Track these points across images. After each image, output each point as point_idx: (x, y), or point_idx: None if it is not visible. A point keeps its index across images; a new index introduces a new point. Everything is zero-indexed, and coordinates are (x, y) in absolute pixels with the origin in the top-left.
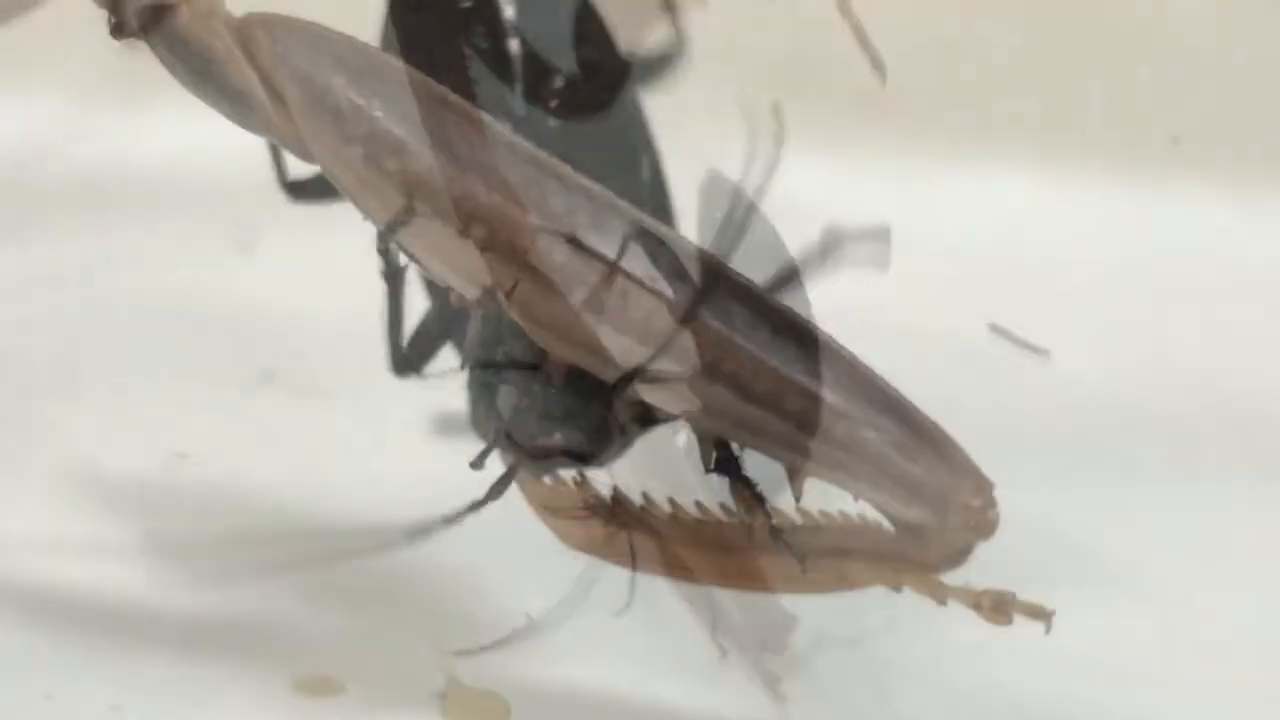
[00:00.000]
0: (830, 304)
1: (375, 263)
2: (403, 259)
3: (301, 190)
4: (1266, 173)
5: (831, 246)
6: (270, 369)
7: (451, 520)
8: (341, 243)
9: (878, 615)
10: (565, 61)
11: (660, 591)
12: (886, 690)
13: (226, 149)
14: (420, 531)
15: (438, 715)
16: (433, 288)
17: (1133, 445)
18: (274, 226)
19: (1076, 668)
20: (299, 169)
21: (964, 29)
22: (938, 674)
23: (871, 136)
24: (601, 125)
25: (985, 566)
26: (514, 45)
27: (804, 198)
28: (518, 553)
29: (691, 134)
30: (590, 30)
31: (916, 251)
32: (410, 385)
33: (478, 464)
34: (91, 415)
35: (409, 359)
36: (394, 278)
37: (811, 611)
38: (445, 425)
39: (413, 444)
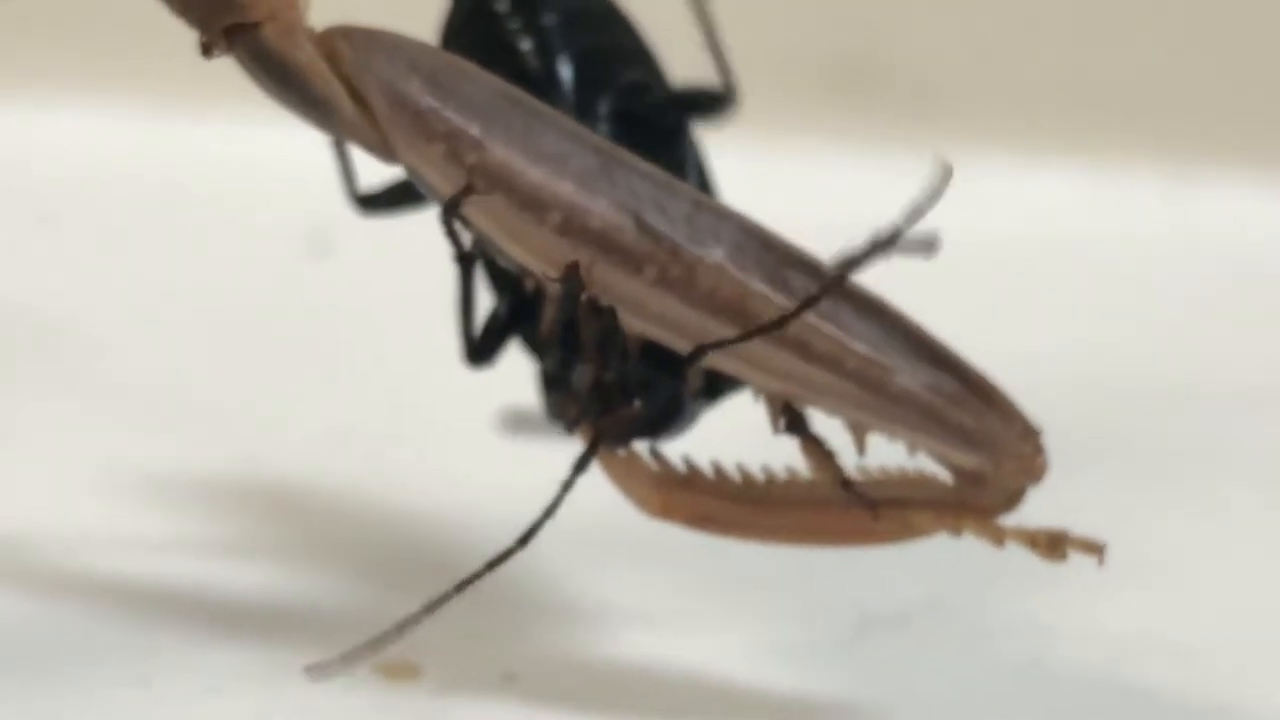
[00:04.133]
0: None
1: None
2: (471, 245)
3: (371, 203)
4: None
5: (881, 248)
6: (336, 367)
7: (551, 509)
8: (410, 246)
9: (920, 593)
10: (613, 87)
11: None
12: (929, 668)
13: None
14: (529, 532)
15: (509, 695)
16: (501, 280)
17: (1169, 435)
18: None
19: (1119, 645)
20: (368, 182)
21: (1002, 24)
22: (981, 651)
23: (912, 133)
24: (652, 155)
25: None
26: (563, 70)
27: (846, 194)
28: (583, 535)
29: (735, 135)
30: (637, 57)
31: (956, 246)
32: (478, 383)
33: (582, 464)
34: (173, 417)
35: (481, 349)
36: (465, 262)
37: (854, 590)
38: (513, 423)
39: (482, 441)
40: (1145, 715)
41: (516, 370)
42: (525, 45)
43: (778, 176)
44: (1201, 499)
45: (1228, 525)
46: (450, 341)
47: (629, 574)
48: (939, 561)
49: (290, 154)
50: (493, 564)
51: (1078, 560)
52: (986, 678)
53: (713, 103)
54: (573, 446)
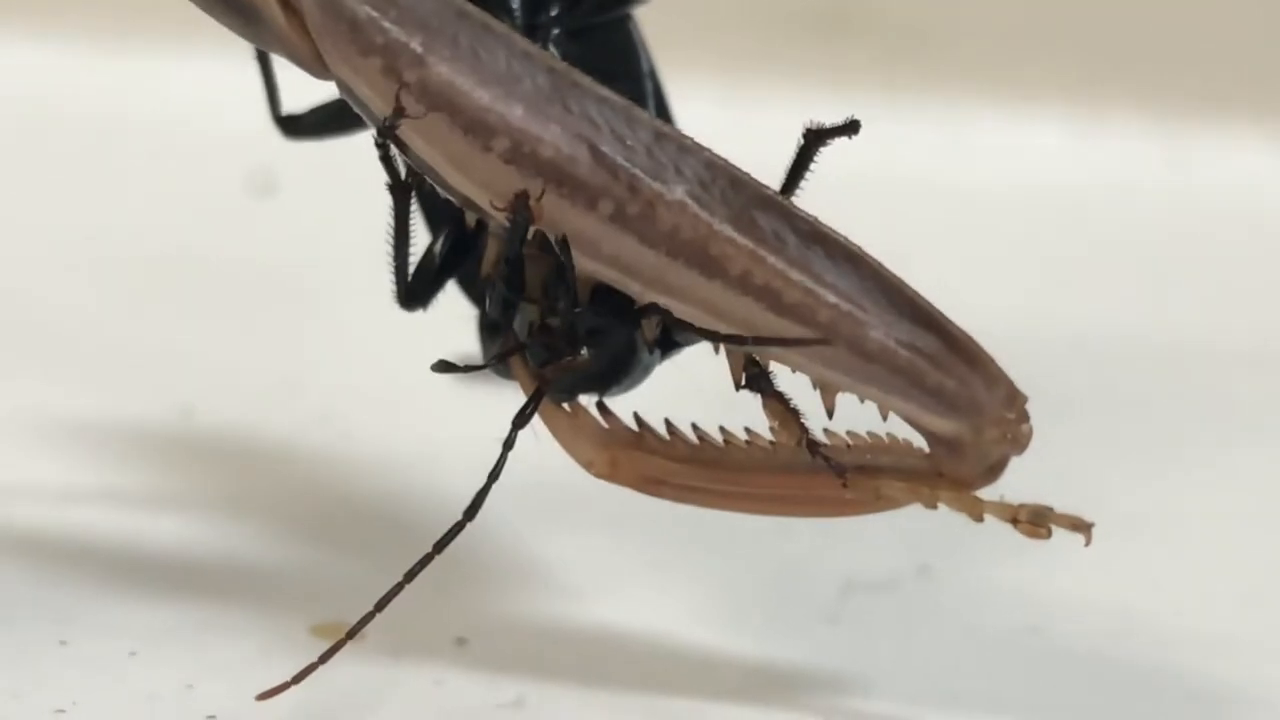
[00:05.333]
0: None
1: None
2: (408, 174)
3: (296, 125)
4: None
5: (812, 144)
6: (285, 319)
7: (495, 474)
8: (354, 182)
9: (907, 561)
10: None
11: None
12: (917, 636)
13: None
14: (474, 503)
15: (458, 661)
16: (438, 215)
17: (1165, 393)
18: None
19: (1106, 613)
20: (293, 104)
21: None
22: (968, 619)
23: (901, 80)
24: (602, 51)
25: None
26: None
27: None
28: (534, 497)
29: (716, 76)
30: None
31: (945, 195)
32: (431, 330)
33: (523, 418)
34: (105, 365)
35: (414, 291)
36: (400, 192)
37: (841, 558)
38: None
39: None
40: (1139, 682)
41: (469, 315)
42: None
43: (761, 122)
44: (1198, 459)
45: (1226, 488)
46: None
47: (595, 536)
48: (927, 525)
49: (230, 87)
50: (442, 544)
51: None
52: (975, 645)
53: None
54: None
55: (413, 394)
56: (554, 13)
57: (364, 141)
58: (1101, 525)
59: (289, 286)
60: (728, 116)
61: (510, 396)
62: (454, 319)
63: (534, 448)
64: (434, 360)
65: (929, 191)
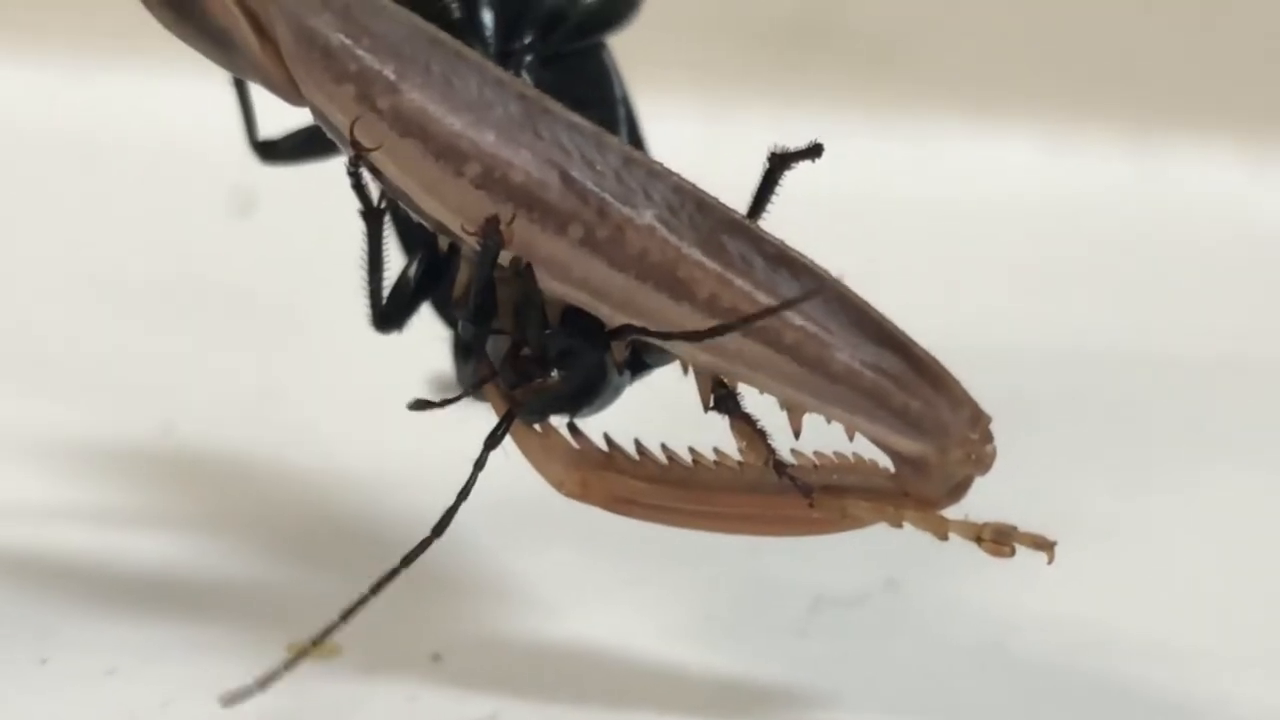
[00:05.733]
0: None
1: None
2: (380, 199)
3: (272, 151)
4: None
5: (777, 167)
6: (266, 337)
7: (465, 492)
8: (334, 201)
9: (876, 575)
10: (533, 21)
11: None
12: (886, 650)
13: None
14: (444, 519)
15: (432, 678)
16: (412, 239)
17: (1137, 406)
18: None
19: (1081, 627)
20: (269, 129)
21: None
22: (937, 633)
23: (875, 96)
24: (574, 78)
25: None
26: (483, 10)
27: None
28: (509, 514)
29: (692, 94)
30: None
31: (919, 210)
32: (408, 349)
33: (494, 439)
34: (86, 383)
35: (389, 314)
36: (373, 218)
37: (810, 572)
38: (444, 388)
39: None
40: (1108, 695)
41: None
42: None
43: (732, 140)
44: (1169, 472)
45: (1197, 501)
46: None
47: (568, 553)
48: (895, 541)
49: (209, 107)
50: (409, 558)
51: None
52: (944, 661)
53: (622, 5)
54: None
55: (392, 412)
56: (527, 40)
57: (342, 164)
58: (1070, 538)
59: (269, 304)
60: (699, 134)
61: (488, 415)
62: (431, 338)
63: (509, 466)
64: (410, 399)
65: (901, 206)
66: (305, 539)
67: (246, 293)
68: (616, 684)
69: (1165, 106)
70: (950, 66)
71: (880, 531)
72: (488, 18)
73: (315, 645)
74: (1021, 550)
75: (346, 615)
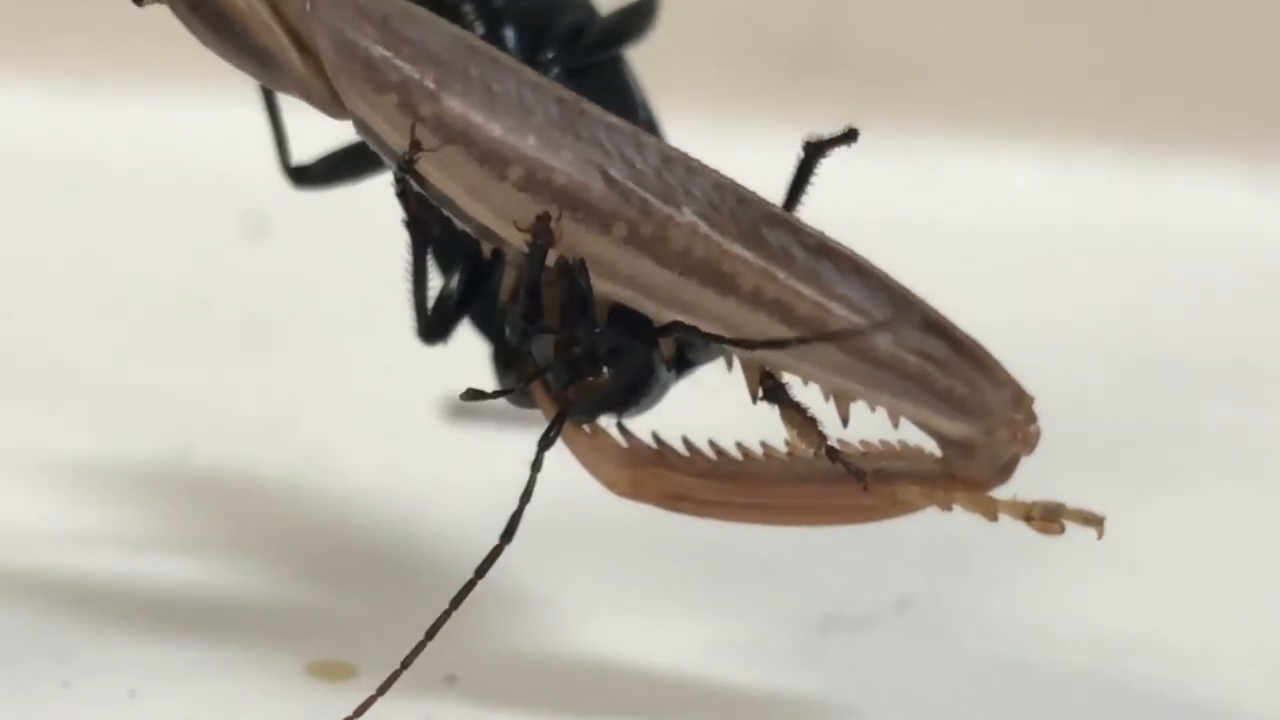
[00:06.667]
0: None
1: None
2: (425, 211)
3: (305, 175)
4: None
5: (812, 156)
6: (281, 358)
7: (527, 495)
8: (346, 223)
9: (888, 595)
10: (555, 37)
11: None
12: (896, 669)
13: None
14: (510, 525)
15: (446, 697)
16: (450, 255)
17: (1136, 423)
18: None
19: (1092, 643)
20: (302, 154)
21: (962, 6)
22: (949, 652)
23: (880, 118)
24: (599, 90)
25: (1009, 552)
26: (506, 27)
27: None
28: (522, 536)
29: (702, 116)
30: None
31: (924, 231)
32: (419, 370)
33: (548, 440)
34: (102, 406)
35: (435, 325)
36: (418, 229)
37: (819, 588)
38: (456, 411)
39: (425, 429)
40: (1120, 710)
41: (459, 356)
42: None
43: (735, 160)
44: (1175, 487)
45: (1205, 517)
46: (391, 326)
47: (579, 571)
48: (906, 560)
49: (222, 130)
50: (483, 569)
51: (1046, 556)
52: (954, 679)
53: (640, 17)
54: (518, 435)
55: (407, 432)
56: (551, 54)
57: (358, 187)
58: (1080, 554)
59: (283, 326)
60: (709, 156)
61: (502, 434)
62: (444, 358)
63: (516, 488)
64: (438, 403)
65: (906, 227)
66: (323, 559)
67: (260, 315)
68: (629, 706)
69: (1168, 127)
70: (954, 89)
71: (890, 549)
72: (510, 34)
73: (404, 668)
74: (1030, 562)
75: (431, 633)
